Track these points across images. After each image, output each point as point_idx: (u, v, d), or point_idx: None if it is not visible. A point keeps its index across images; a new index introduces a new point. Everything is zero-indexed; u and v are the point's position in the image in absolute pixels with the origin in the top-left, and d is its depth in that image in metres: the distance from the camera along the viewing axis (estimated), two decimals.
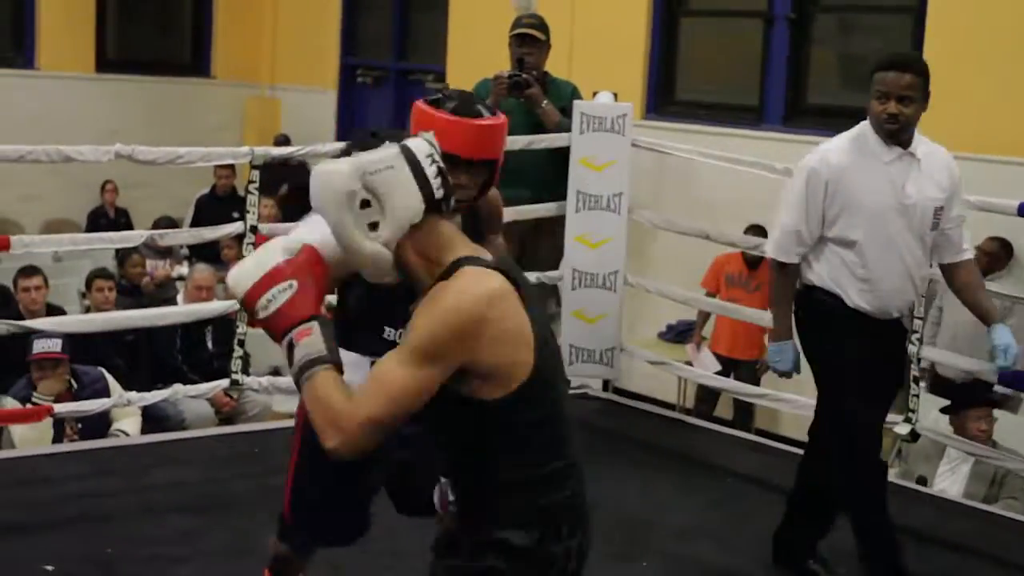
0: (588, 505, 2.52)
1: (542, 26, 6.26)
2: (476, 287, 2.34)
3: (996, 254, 6.73)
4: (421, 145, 2.42)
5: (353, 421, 2.28)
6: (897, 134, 4.07)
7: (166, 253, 9.38)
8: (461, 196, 3.05)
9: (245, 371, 5.59)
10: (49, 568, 4.22)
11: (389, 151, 2.40)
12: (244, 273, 2.41)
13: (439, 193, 2.40)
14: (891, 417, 5.04)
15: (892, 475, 5.86)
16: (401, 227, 2.39)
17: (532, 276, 6.13)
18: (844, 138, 4.21)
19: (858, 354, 4.13)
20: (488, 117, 3.14)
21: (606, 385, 6.86)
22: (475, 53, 8.93)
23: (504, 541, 2.40)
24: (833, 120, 7.66)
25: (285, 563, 3.50)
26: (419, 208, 2.38)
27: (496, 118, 3.17)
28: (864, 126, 4.16)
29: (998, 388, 5.97)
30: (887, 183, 4.08)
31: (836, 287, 4.16)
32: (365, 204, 2.38)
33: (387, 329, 3.28)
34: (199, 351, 7.20)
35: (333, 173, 2.38)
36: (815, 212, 4.13)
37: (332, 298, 3.45)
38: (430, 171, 2.39)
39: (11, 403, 5.90)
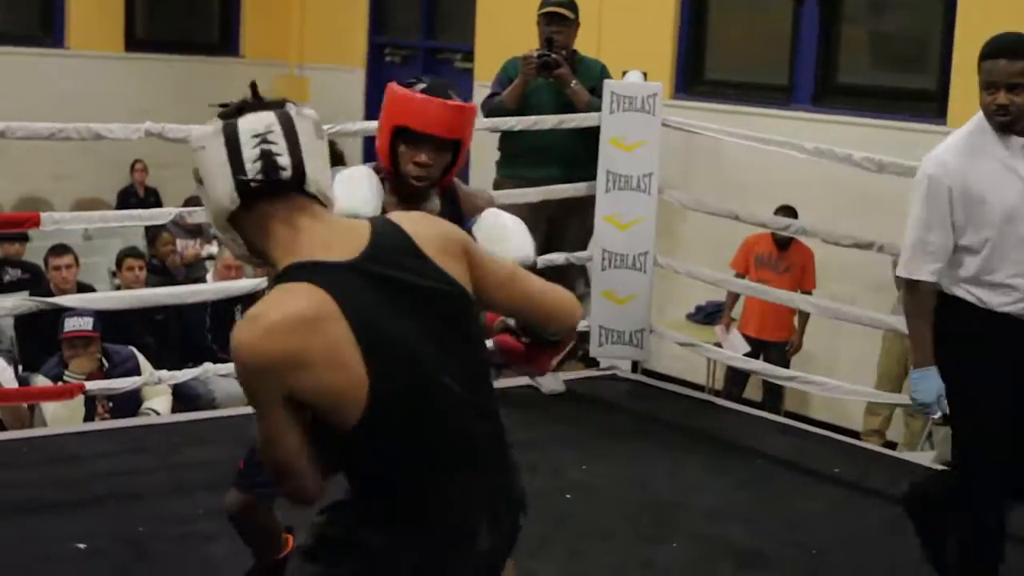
0: (476, 515, 2.28)
1: (571, 4, 6.23)
2: (264, 318, 2.10)
3: None
4: (257, 121, 2.19)
5: (277, 476, 2.20)
6: (1010, 125, 3.73)
7: (196, 232, 9.40)
8: (419, 174, 3.28)
9: None
10: (81, 546, 4.25)
11: (210, 127, 2.22)
12: None
13: (257, 178, 2.16)
14: None
15: (927, 459, 5.87)
16: (215, 213, 2.22)
17: (561, 256, 6.13)
18: (959, 135, 3.87)
19: (991, 373, 3.79)
20: (457, 100, 3.29)
21: (635, 366, 6.85)
22: (503, 31, 8.90)
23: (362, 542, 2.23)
24: (864, 99, 7.66)
25: (250, 510, 3.61)
26: (227, 194, 2.18)
27: (466, 103, 3.32)
28: (978, 119, 3.82)
29: None
30: (1012, 178, 3.75)
31: (970, 294, 3.82)
32: (200, 183, 2.25)
33: None
34: (228, 329, 7.20)
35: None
36: (943, 222, 3.79)
37: None
38: (249, 153, 2.16)
39: (43, 381, 5.94)
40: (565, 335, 2.63)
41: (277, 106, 2.24)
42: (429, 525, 2.24)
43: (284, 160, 2.18)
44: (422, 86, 3.29)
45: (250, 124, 2.19)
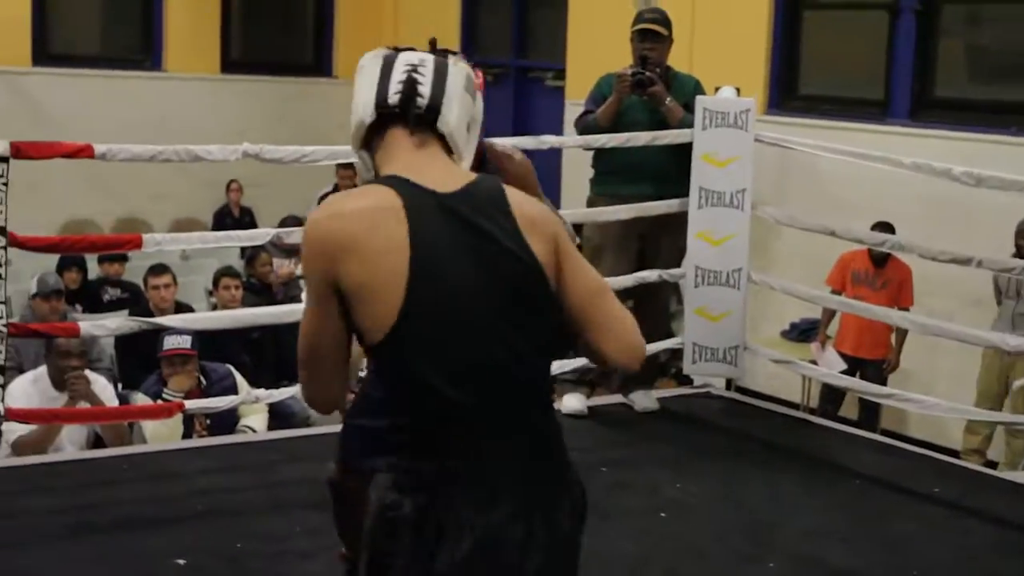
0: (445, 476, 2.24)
1: (665, 21, 6.20)
2: (335, 205, 2.24)
3: None
4: (415, 56, 2.35)
5: (308, 371, 2.31)
6: None
7: (292, 252, 9.49)
8: None
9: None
10: (181, 562, 4.29)
11: (376, 52, 2.39)
12: None
13: (393, 99, 2.30)
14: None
15: None
16: (354, 128, 2.35)
17: (654, 274, 6.11)
18: None
19: None
20: None
21: (729, 384, 6.80)
22: (595, 49, 8.91)
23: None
24: (961, 114, 7.55)
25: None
26: (367, 109, 2.33)
27: None
28: None
29: None
30: None
31: None
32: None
33: None
34: None
35: None
36: None
37: None
38: (397, 77, 2.31)
39: (142, 399, 6.04)
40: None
41: (441, 53, 2.39)
42: (439, 470, 2.24)
43: (424, 90, 2.31)
44: None
45: (408, 56, 2.35)
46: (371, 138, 2.36)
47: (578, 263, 2.35)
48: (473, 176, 2.33)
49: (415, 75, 2.31)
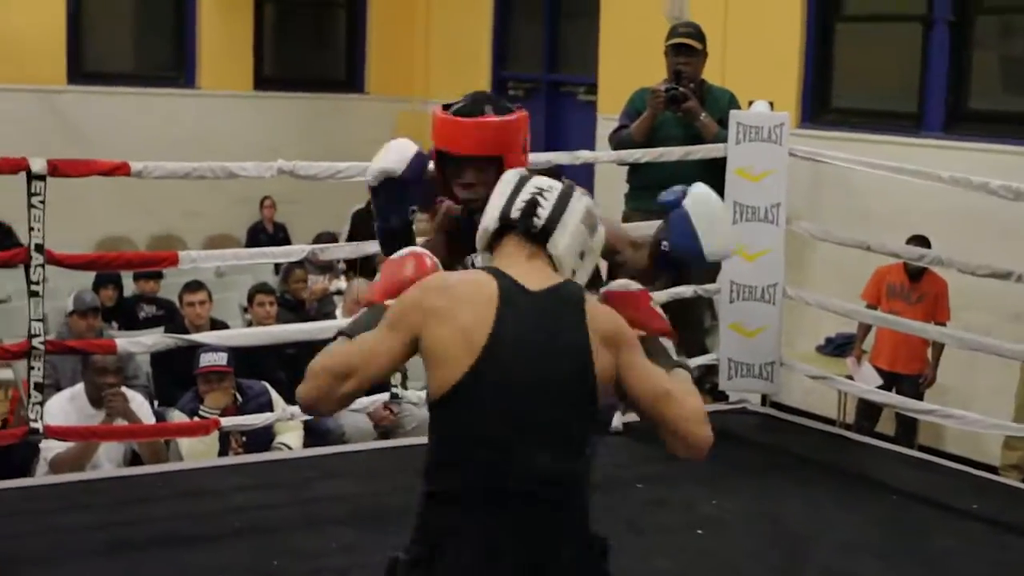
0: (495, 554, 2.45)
1: (699, 35, 6.19)
2: (448, 278, 2.59)
3: None
4: (545, 181, 2.65)
5: (312, 367, 2.57)
6: None
7: (326, 268, 9.52)
8: (466, 195, 3.31)
9: (404, 384, 5.64)
10: None
11: (517, 171, 2.71)
12: None
13: (515, 214, 2.59)
14: None
15: None
16: (480, 233, 2.67)
17: (688, 289, 6.09)
18: None
19: None
20: (489, 116, 3.25)
21: (764, 399, 6.77)
22: (627, 63, 8.91)
23: (396, 558, 2.53)
24: (996, 126, 7.50)
25: None
26: (493, 218, 2.63)
27: (498, 117, 3.26)
28: None
29: None
30: None
31: None
32: None
33: None
34: None
35: None
36: None
37: None
38: (523, 196, 2.61)
39: (178, 415, 6.05)
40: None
41: (568, 186, 2.68)
42: (452, 545, 2.46)
43: (543, 213, 2.60)
44: (458, 106, 3.30)
45: (538, 180, 2.66)
46: (494, 244, 2.65)
47: (643, 372, 2.57)
48: (555, 279, 2.58)
49: (539, 197, 2.61)
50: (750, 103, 6.56)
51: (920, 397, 6.93)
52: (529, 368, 2.46)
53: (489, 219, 2.63)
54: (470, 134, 3.25)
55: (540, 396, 2.46)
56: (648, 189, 6.12)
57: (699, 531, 4.89)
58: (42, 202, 4.79)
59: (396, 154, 3.45)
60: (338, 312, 7.69)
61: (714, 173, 6.11)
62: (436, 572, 2.45)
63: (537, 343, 2.47)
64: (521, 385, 2.45)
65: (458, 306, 2.47)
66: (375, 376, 2.54)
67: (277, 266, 9.44)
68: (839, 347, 7.80)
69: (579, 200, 2.64)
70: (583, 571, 2.51)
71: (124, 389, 5.91)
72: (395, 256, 2.81)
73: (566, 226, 2.60)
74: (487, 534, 2.44)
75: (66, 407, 5.86)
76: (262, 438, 6.00)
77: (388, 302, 2.64)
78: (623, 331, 2.58)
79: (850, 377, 7.16)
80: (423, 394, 5.69)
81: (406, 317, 2.50)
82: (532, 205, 2.59)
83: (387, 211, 3.47)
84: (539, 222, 2.59)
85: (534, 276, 2.55)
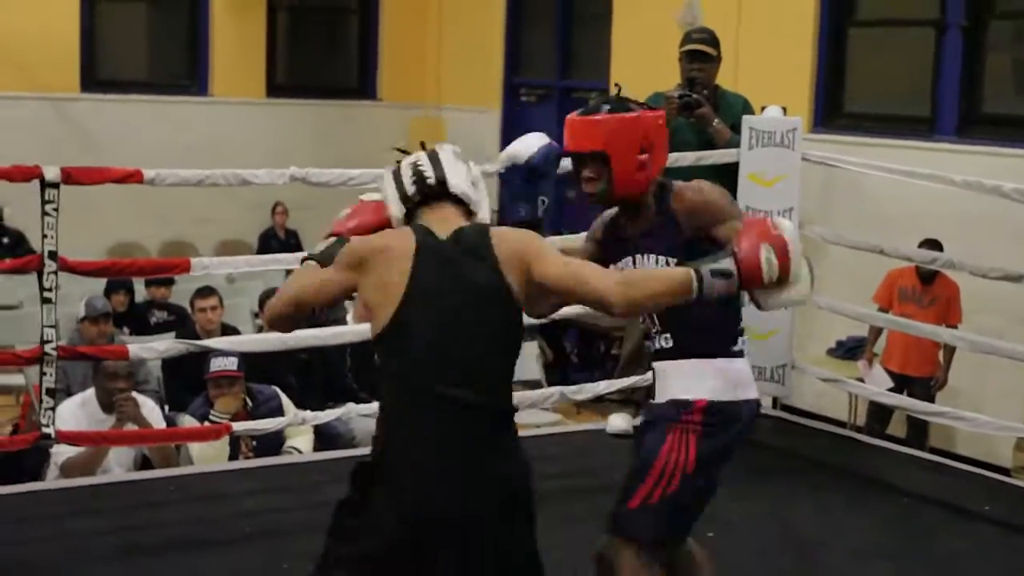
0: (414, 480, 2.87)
1: (713, 41, 6.16)
2: (385, 234, 2.99)
3: None
4: (412, 157, 3.03)
5: (281, 290, 3.05)
6: None
7: None
8: (585, 190, 3.47)
9: None
10: None
11: (386, 170, 3.09)
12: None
13: (411, 190, 2.99)
14: None
15: None
16: (394, 221, 3.04)
17: None
18: None
19: None
20: (597, 114, 3.46)
21: (775, 402, 6.76)
22: (639, 69, 8.89)
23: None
24: (1009, 130, 7.49)
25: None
26: (397, 207, 3.02)
27: (599, 116, 3.46)
28: None
29: None
30: None
31: None
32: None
33: None
34: (369, 370, 7.28)
35: None
36: None
37: None
38: (408, 177, 3.00)
39: (189, 420, 6.06)
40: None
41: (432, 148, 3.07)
42: (395, 465, 2.91)
43: (429, 171, 2.99)
44: (584, 108, 3.52)
45: (408, 159, 3.05)
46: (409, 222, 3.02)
47: (546, 258, 2.89)
48: (467, 223, 2.96)
49: (418, 166, 3.00)
50: (763, 108, 6.55)
51: (931, 400, 6.93)
52: (445, 310, 2.83)
53: (394, 209, 3.03)
54: (574, 129, 3.46)
55: (456, 336, 2.83)
56: None
57: (710, 534, 4.87)
58: (55, 210, 4.80)
59: (523, 143, 3.54)
60: (348, 317, 7.69)
61: (726, 178, 6.10)
62: (380, 472, 2.93)
63: (448, 286, 2.84)
64: (436, 329, 2.83)
65: (386, 262, 2.86)
66: (323, 305, 3.07)
67: (288, 272, 9.44)
68: (850, 350, 7.80)
69: (443, 149, 3.03)
70: (508, 478, 2.88)
71: (135, 394, 5.91)
72: (366, 198, 3.25)
73: (450, 168, 2.99)
74: (421, 444, 2.85)
75: (77, 412, 5.86)
76: (272, 442, 6.00)
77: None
78: (528, 245, 2.91)
79: (861, 380, 7.15)
80: None
81: (352, 264, 2.91)
82: (418, 174, 2.98)
83: (516, 200, 3.51)
84: (432, 179, 2.97)
85: (445, 225, 2.92)
